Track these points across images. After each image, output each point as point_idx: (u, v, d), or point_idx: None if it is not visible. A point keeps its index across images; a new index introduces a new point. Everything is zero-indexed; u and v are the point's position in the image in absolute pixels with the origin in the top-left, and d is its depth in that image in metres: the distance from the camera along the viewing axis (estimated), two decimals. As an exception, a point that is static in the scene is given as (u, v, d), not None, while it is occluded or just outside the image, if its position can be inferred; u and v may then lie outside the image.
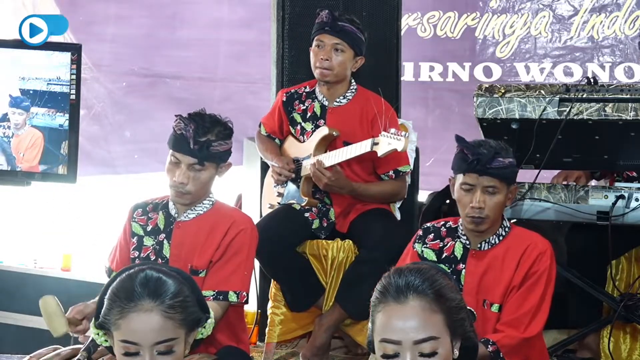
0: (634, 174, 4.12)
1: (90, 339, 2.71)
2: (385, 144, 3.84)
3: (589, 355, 4.06)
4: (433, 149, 5.69)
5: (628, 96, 3.58)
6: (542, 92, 3.69)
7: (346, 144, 4.08)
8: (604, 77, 5.64)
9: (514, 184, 3.45)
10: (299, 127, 4.26)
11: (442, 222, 3.52)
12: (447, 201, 4.07)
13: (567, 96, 3.65)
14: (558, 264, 3.48)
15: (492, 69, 5.93)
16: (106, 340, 2.27)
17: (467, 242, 3.43)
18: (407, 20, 5.91)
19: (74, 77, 4.64)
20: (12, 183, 4.81)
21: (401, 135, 3.82)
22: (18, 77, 4.71)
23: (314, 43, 4.15)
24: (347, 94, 4.21)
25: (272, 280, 4.15)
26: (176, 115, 3.43)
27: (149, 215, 3.52)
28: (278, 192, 4.24)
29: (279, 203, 4.22)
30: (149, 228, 3.50)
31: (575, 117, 3.63)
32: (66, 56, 4.65)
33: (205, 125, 3.37)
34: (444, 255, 3.45)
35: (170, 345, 2.16)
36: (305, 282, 4.09)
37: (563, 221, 3.83)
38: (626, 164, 3.89)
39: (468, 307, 2.21)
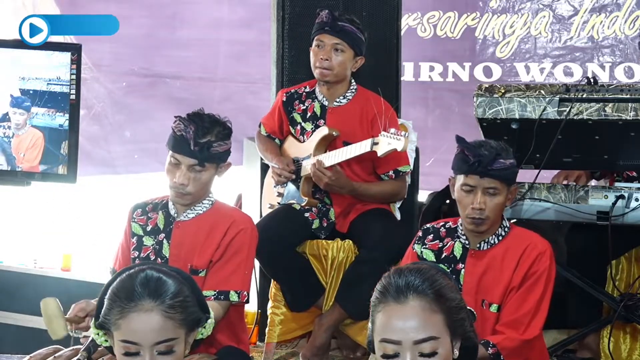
0: (634, 174, 4.12)
1: (90, 339, 2.71)
2: (385, 143, 3.84)
3: (589, 355, 4.06)
4: (433, 149, 5.68)
5: (628, 96, 3.58)
6: (542, 92, 3.68)
7: (346, 144, 4.08)
8: (604, 77, 5.63)
9: (514, 184, 3.45)
10: (299, 127, 4.26)
11: (442, 223, 3.52)
12: (447, 201, 4.07)
13: (567, 96, 3.64)
14: (558, 264, 3.48)
15: (492, 69, 5.92)
16: (106, 340, 2.27)
17: (467, 242, 3.43)
18: (407, 20, 5.91)
19: (74, 77, 4.64)
20: (12, 183, 4.81)
21: (401, 135, 3.82)
22: (18, 77, 4.71)
23: (314, 43, 4.15)
24: (347, 94, 4.21)
25: (272, 280, 4.15)
26: (175, 117, 3.43)
27: (149, 215, 3.52)
28: (278, 192, 4.23)
29: (279, 203, 4.21)
30: (148, 228, 3.50)
31: (575, 117, 3.63)
32: (66, 56, 4.65)
33: (204, 126, 3.37)
34: (443, 255, 3.44)
35: (170, 345, 2.16)
36: (305, 282, 4.09)
37: (563, 221, 3.83)
38: (626, 164, 3.88)
39: (468, 307, 2.21)
